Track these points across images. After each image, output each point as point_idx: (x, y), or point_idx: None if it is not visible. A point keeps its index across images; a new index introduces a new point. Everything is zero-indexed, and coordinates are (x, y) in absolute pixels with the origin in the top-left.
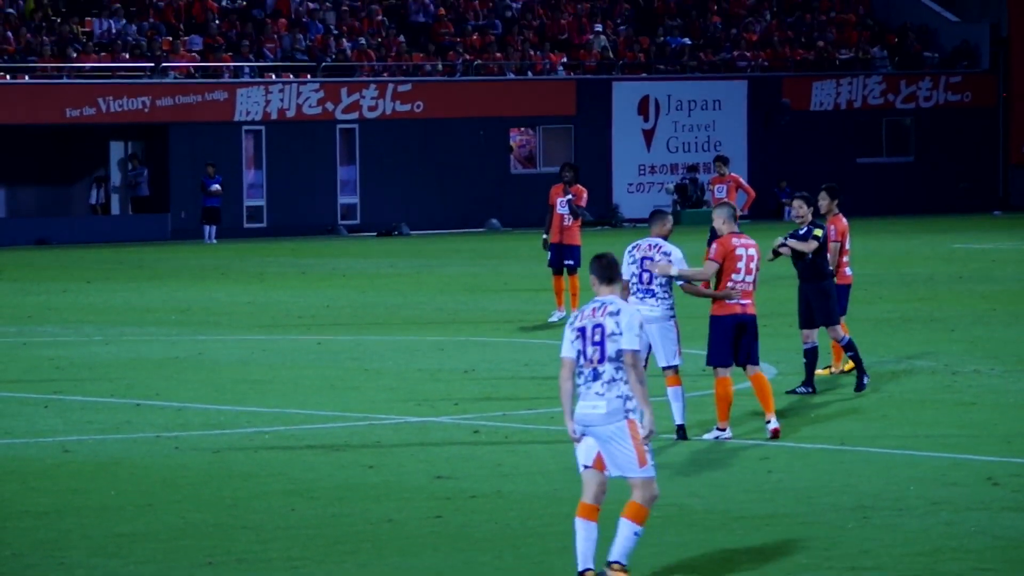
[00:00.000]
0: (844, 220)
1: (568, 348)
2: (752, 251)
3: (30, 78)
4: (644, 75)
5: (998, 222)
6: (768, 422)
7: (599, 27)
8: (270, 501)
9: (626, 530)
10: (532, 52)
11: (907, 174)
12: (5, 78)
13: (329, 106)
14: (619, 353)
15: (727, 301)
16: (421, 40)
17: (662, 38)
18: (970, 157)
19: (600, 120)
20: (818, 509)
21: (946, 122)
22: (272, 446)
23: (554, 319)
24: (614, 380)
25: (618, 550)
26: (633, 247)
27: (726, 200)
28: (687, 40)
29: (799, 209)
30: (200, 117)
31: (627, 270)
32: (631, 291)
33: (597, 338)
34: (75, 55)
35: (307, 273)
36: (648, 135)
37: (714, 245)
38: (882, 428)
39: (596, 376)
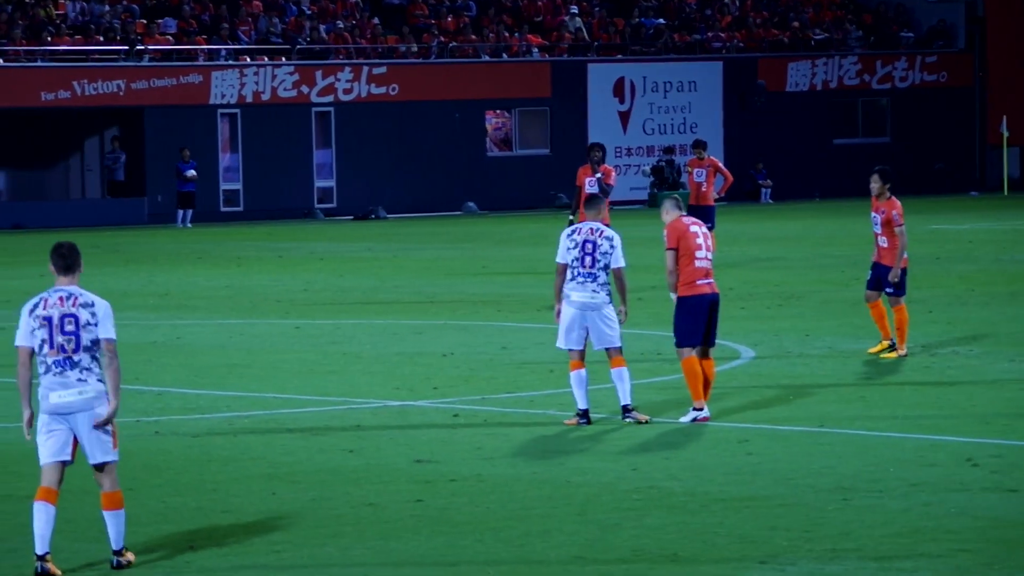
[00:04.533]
0: (898, 202)
1: (28, 337)
2: (704, 229)
3: (4, 62)
4: (619, 57)
5: (975, 202)
6: (699, 409)
7: (574, 9)
8: (251, 485)
9: (113, 520)
10: (507, 34)
11: (884, 155)
12: None
13: (304, 89)
14: (95, 343)
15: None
16: (396, 22)
17: (637, 19)
18: (947, 137)
19: (576, 102)
20: (798, 491)
21: (922, 102)
22: (252, 430)
23: None
24: (90, 368)
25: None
26: (574, 231)
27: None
28: (662, 21)
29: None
30: (175, 100)
31: (567, 254)
32: (572, 276)
33: (70, 328)
34: (49, 38)
35: (284, 257)
36: (624, 117)
37: (665, 231)
38: (861, 410)
39: (72, 365)
